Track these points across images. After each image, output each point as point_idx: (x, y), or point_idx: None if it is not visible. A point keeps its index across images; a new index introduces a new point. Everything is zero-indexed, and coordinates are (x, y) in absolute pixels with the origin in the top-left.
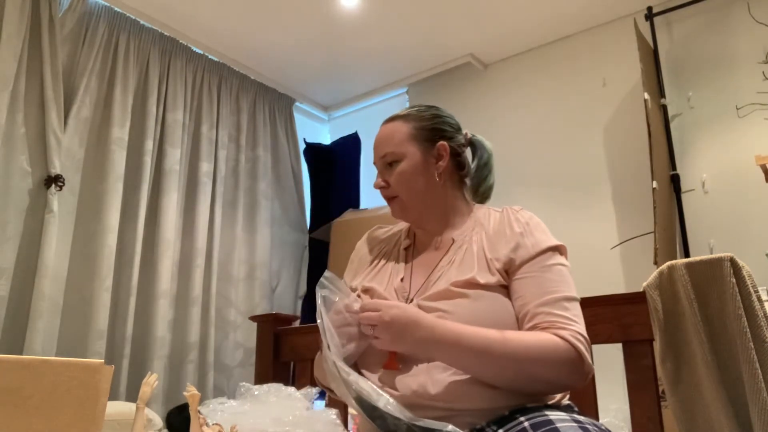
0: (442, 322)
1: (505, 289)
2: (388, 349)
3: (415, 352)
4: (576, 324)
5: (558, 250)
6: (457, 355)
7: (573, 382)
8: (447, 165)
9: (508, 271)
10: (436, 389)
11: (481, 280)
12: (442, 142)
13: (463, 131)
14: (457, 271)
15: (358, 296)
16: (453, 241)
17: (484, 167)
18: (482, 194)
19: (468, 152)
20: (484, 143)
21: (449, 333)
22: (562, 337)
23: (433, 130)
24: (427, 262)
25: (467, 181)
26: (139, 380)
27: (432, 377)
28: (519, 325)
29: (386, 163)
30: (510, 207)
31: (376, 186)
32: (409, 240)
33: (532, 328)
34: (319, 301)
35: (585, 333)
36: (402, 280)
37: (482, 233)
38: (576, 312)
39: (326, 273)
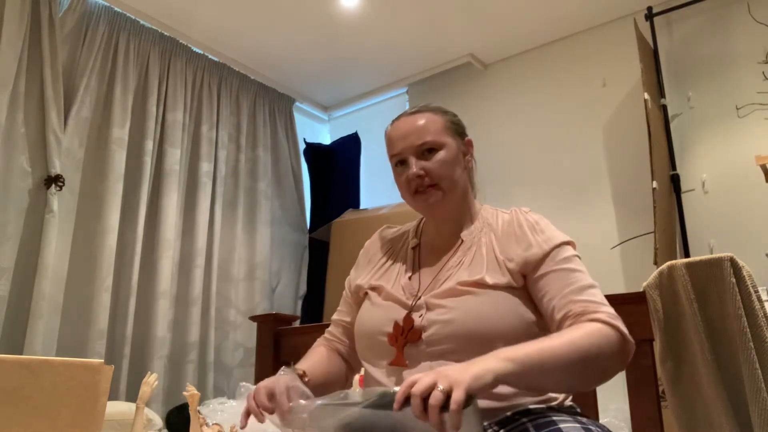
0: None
1: (515, 290)
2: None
3: (478, 378)
4: (606, 306)
5: (569, 244)
6: (524, 370)
7: (622, 362)
8: (470, 160)
9: (525, 272)
10: None
11: (490, 281)
12: (468, 138)
13: None
14: (466, 272)
15: (366, 294)
16: (462, 240)
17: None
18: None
19: None
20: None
21: (510, 350)
22: (601, 321)
23: (458, 124)
24: (436, 260)
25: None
26: (139, 380)
27: None
28: (548, 319)
29: (422, 152)
30: (518, 209)
31: (413, 175)
32: (417, 239)
33: (564, 318)
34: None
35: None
36: (410, 278)
37: (491, 234)
38: (601, 297)
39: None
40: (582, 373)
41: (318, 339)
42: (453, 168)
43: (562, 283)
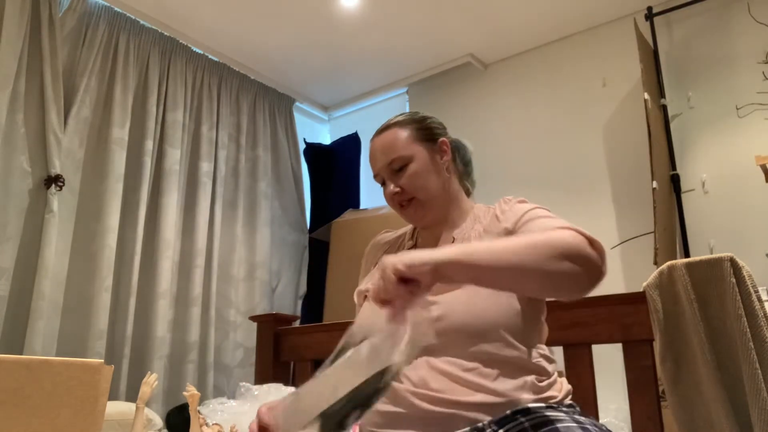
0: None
1: None
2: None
3: (433, 267)
4: (565, 223)
5: (541, 208)
6: (482, 254)
7: (593, 262)
8: (450, 160)
9: None
10: (437, 383)
11: None
12: (442, 138)
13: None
14: None
15: (365, 297)
16: (454, 239)
17: (469, 163)
18: (467, 189)
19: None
20: (463, 141)
21: (459, 244)
22: (557, 227)
23: (429, 129)
24: None
25: (465, 179)
26: (139, 380)
27: (433, 371)
28: None
29: (394, 170)
30: (503, 198)
31: (390, 193)
32: (412, 241)
33: None
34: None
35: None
36: None
37: (480, 229)
38: (564, 222)
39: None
40: (545, 270)
41: None
42: (426, 177)
43: (530, 228)
